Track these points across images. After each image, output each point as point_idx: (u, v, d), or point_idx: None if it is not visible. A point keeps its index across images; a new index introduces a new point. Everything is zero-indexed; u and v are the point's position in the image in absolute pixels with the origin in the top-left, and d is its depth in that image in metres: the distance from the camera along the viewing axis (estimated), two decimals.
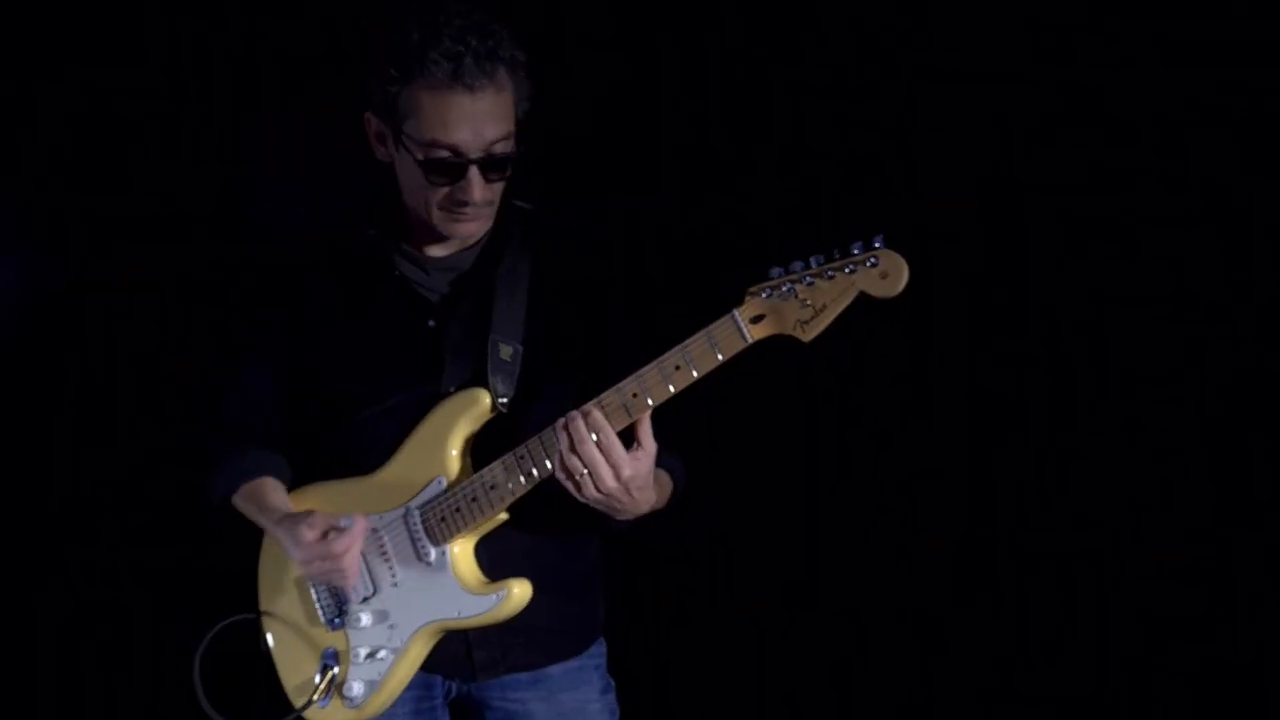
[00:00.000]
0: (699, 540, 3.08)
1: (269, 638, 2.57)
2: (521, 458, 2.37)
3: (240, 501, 2.56)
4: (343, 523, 2.45)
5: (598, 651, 2.64)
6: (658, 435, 2.37)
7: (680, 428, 2.49)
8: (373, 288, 2.52)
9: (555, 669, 2.57)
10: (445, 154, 2.36)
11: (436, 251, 2.53)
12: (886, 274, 2.22)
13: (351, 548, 2.43)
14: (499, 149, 2.38)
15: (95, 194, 3.11)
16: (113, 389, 3.12)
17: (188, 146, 3.12)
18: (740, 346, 2.28)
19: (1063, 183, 2.96)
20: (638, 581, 2.95)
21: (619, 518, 2.36)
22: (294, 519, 2.47)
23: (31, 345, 3.12)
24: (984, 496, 3.06)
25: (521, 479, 2.38)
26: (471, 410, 2.44)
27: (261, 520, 2.53)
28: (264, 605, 2.57)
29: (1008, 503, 3.05)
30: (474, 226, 2.47)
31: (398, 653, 2.46)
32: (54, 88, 3.07)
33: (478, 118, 2.35)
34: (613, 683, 2.65)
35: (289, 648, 2.55)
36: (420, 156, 2.37)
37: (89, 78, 3.09)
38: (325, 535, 2.44)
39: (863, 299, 2.24)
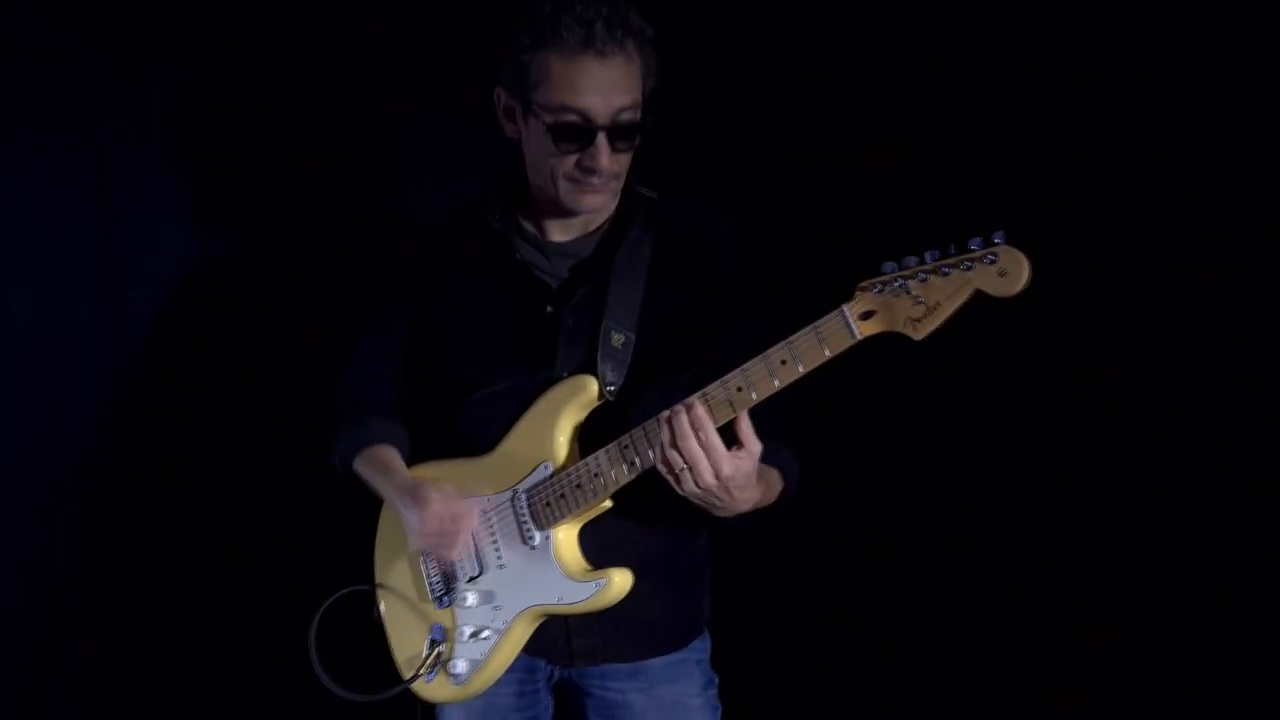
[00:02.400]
0: (810, 535, 2.99)
1: (383, 609, 2.61)
2: (625, 447, 2.35)
3: (361, 467, 2.58)
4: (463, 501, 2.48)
5: (700, 646, 2.59)
6: (776, 433, 2.31)
7: (792, 428, 2.43)
8: (494, 272, 2.53)
9: (656, 661, 2.54)
10: (574, 119, 2.35)
11: (558, 236, 2.52)
12: (1005, 272, 2.10)
13: (469, 520, 2.46)
14: (626, 117, 2.37)
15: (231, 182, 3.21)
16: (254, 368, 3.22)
17: (327, 134, 3.18)
18: (848, 343, 2.19)
19: (1064, 183, 2.84)
20: (746, 575, 2.87)
21: (717, 514, 2.31)
22: (422, 484, 2.49)
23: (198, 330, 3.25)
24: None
25: (625, 468, 2.35)
26: (579, 397, 2.42)
27: (381, 482, 2.54)
28: (379, 578, 2.62)
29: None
30: (599, 199, 2.45)
31: (500, 634, 2.47)
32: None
33: (607, 84, 2.34)
34: (716, 678, 2.61)
35: (401, 621, 2.59)
36: (549, 121, 2.36)
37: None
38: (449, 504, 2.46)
39: (979, 298, 2.13)
